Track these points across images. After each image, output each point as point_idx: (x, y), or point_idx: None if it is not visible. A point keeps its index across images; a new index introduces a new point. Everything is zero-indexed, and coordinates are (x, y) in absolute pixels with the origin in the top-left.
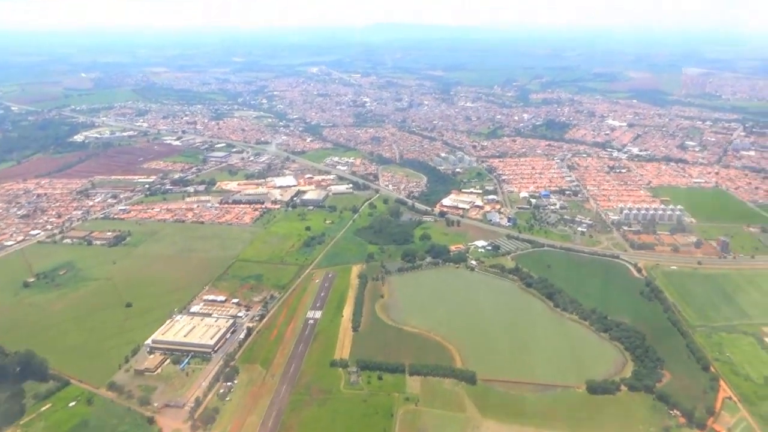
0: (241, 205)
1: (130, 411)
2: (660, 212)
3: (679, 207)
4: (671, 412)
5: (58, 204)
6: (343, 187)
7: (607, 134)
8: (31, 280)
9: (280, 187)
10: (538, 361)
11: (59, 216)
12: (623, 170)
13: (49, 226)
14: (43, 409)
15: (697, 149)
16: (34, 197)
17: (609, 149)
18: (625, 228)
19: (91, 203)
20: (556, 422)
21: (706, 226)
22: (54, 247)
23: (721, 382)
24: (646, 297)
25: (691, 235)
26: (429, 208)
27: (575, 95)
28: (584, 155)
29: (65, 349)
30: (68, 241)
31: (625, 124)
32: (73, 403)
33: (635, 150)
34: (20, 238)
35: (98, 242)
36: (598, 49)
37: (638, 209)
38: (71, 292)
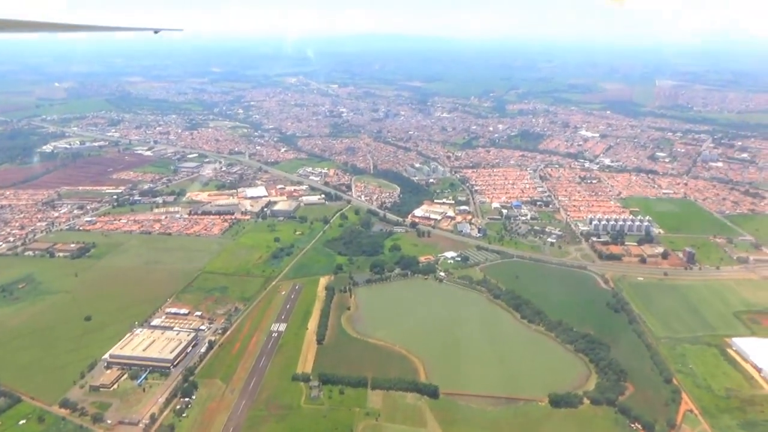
0: (211, 216)
1: (83, 429)
2: (629, 223)
3: (647, 218)
4: (632, 425)
5: (22, 215)
6: (314, 198)
7: (580, 145)
8: None
9: (250, 198)
10: (502, 374)
11: (22, 228)
12: (594, 181)
13: (11, 238)
14: None
15: (667, 160)
16: None
17: (581, 160)
18: (594, 239)
19: (56, 214)
20: None
21: (674, 237)
22: (15, 259)
23: (683, 395)
24: (612, 308)
25: (659, 246)
26: (401, 219)
27: (551, 106)
28: (556, 166)
29: (19, 365)
30: (30, 253)
31: (597, 135)
32: (23, 421)
33: (607, 161)
34: None
35: (61, 254)
36: (571, 60)
37: (607, 220)
38: (29, 306)
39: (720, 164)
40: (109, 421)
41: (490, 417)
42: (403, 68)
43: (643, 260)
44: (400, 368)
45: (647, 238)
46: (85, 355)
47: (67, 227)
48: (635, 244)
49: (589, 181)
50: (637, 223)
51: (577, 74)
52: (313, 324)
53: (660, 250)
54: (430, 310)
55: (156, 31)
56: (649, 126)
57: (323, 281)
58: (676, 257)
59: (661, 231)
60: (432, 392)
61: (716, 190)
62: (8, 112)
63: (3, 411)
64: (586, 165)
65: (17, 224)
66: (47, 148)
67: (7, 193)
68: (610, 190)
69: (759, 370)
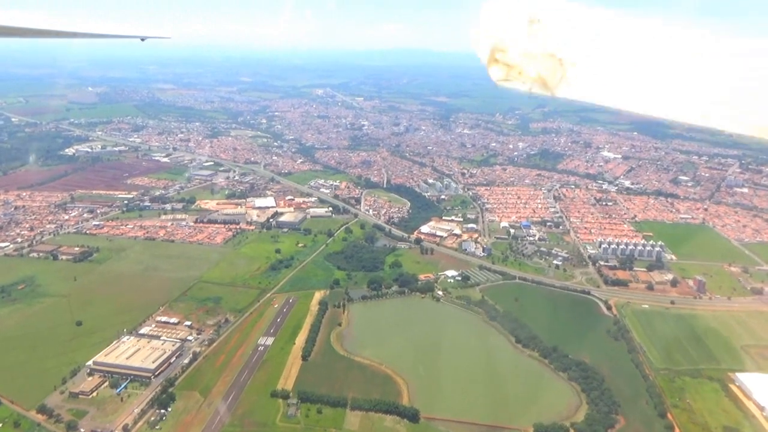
0: (216, 225)
1: None
2: (639, 248)
3: (659, 243)
4: None
5: (33, 217)
6: (322, 210)
7: (601, 166)
8: None
9: (258, 208)
10: (488, 400)
11: (31, 229)
12: (609, 203)
13: (19, 239)
14: None
15: (690, 184)
16: (12, 209)
17: (600, 181)
18: (602, 263)
19: (66, 217)
20: None
21: (686, 264)
22: (20, 260)
23: (677, 431)
24: (612, 336)
25: (668, 273)
26: (406, 235)
27: (576, 125)
28: (573, 186)
29: (2, 367)
30: (35, 255)
31: (620, 156)
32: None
33: (627, 183)
34: None
35: (64, 257)
36: None
37: (617, 244)
38: (25, 308)
39: (745, 190)
40: (82, 430)
41: None
42: (432, 83)
43: (650, 287)
44: (383, 389)
45: (657, 264)
46: (70, 360)
47: (74, 230)
48: (644, 269)
49: (604, 203)
50: (648, 248)
51: None
52: (301, 339)
53: (669, 277)
54: (423, 330)
55: (143, 39)
56: (675, 149)
57: (318, 296)
58: (686, 285)
59: (674, 257)
60: (412, 416)
61: (738, 216)
62: (39, 115)
63: None
64: (604, 186)
65: (27, 225)
66: (69, 151)
67: (24, 194)
68: (625, 213)
69: (762, 409)
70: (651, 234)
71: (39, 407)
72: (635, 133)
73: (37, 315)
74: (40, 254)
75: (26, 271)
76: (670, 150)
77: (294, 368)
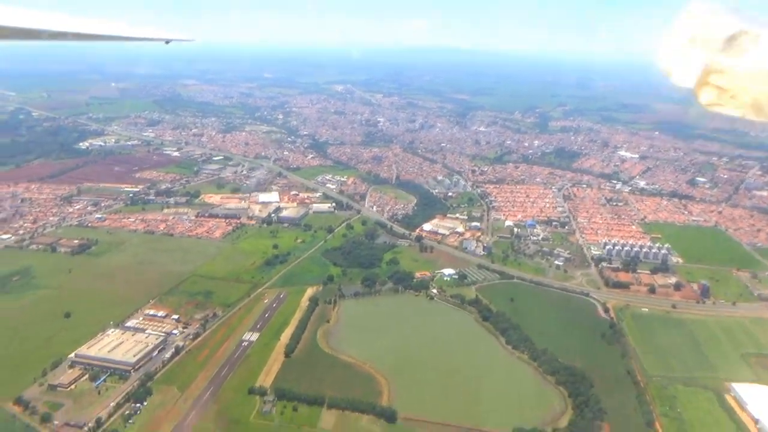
0: (217, 219)
1: (29, 428)
2: (645, 250)
3: (666, 245)
4: None
5: (38, 209)
6: (325, 206)
7: (617, 165)
8: None
9: (261, 203)
10: (470, 402)
11: (35, 221)
12: (620, 203)
13: (21, 231)
14: None
15: (707, 186)
16: (18, 201)
17: (614, 181)
18: (605, 264)
19: (70, 210)
20: None
21: (693, 268)
22: (19, 252)
23: None
24: (606, 340)
25: (672, 276)
26: (407, 232)
27: (596, 124)
28: (584, 186)
29: None
30: (34, 247)
31: (637, 156)
32: None
33: (642, 183)
34: None
35: (63, 249)
36: (629, 79)
37: (622, 245)
38: (17, 299)
39: (765, 193)
40: (56, 422)
41: None
42: (453, 81)
43: (652, 290)
44: (364, 388)
45: (662, 267)
46: (53, 352)
47: (77, 223)
48: (648, 272)
49: (614, 204)
50: (654, 250)
51: (631, 94)
52: (286, 335)
53: (673, 280)
54: (412, 329)
55: (167, 42)
56: (696, 149)
57: (310, 291)
58: (690, 289)
59: (680, 260)
60: (389, 416)
61: (753, 220)
62: (59, 109)
63: None
64: (617, 186)
65: (31, 218)
66: (83, 144)
67: (32, 186)
68: (635, 214)
69: (756, 422)
70: (659, 236)
71: (16, 399)
72: (657, 132)
73: (28, 306)
74: (40, 246)
75: (24, 263)
76: (691, 151)
77: (276, 365)
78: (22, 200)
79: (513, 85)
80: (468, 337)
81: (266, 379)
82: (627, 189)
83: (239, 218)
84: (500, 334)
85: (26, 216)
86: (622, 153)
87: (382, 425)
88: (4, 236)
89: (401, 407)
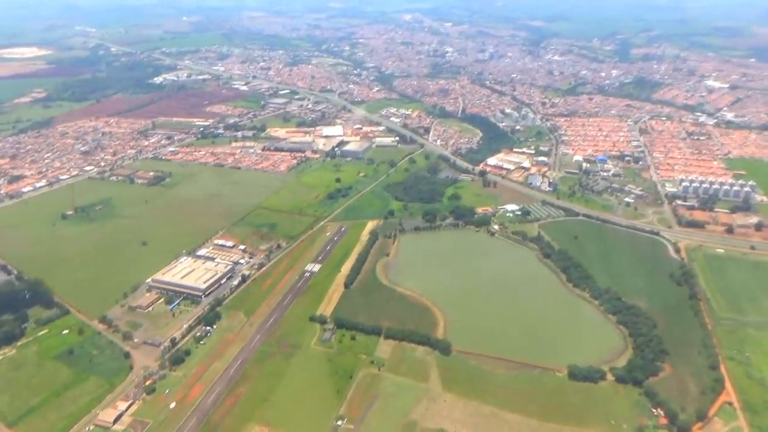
0: (282, 153)
1: (112, 344)
2: (725, 187)
3: (750, 183)
4: (654, 410)
5: (117, 142)
6: (388, 140)
7: (702, 96)
8: (70, 213)
9: (326, 137)
10: (526, 338)
11: (114, 154)
12: (702, 137)
13: (102, 163)
14: (40, 333)
15: None
16: (99, 135)
17: (698, 113)
18: (679, 202)
19: (146, 143)
20: (518, 404)
21: None
22: (101, 183)
23: (727, 385)
24: (675, 281)
25: (754, 216)
26: (470, 167)
27: (683, 51)
28: (664, 118)
29: (75, 280)
30: (114, 178)
31: (726, 85)
32: (66, 332)
33: (729, 116)
34: (75, 173)
35: (140, 181)
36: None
37: (700, 182)
38: (100, 228)
39: None
40: (135, 340)
41: (497, 381)
42: (528, 5)
43: (730, 230)
44: (420, 320)
45: (744, 206)
46: (133, 277)
47: (152, 156)
48: (727, 211)
49: (696, 137)
50: (736, 188)
51: (727, 15)
52: (347, 267)
53: (754, 220)
54: (471, 264)
55: None
56: None
57: (371, 225)
58: None
59: (765, 199)
60: (444, 348)
61: None
62: (135, 44)
63: (53, 320)
64: (701, 119)
65: (111, 151)
66: (157, 80)
67: (111, 121)
68: (718, 149)
69: None
70: (744, 172)
71: (101, 318)
72: (753, 59)
73: (109, 234)
74: (119, 178)
75: (105, 193)
76: None
77: (336, 295)
78: (102, 134)
79: (593, 9)
80: (527, 274)
81: (327, 308)
82: (712, 122)
83: (304, 152)
84: (561, 272)
85: (107, 149)
86: (710, 82)
87: (437, 356)
88: (88, 168)
89: (456, 340)
